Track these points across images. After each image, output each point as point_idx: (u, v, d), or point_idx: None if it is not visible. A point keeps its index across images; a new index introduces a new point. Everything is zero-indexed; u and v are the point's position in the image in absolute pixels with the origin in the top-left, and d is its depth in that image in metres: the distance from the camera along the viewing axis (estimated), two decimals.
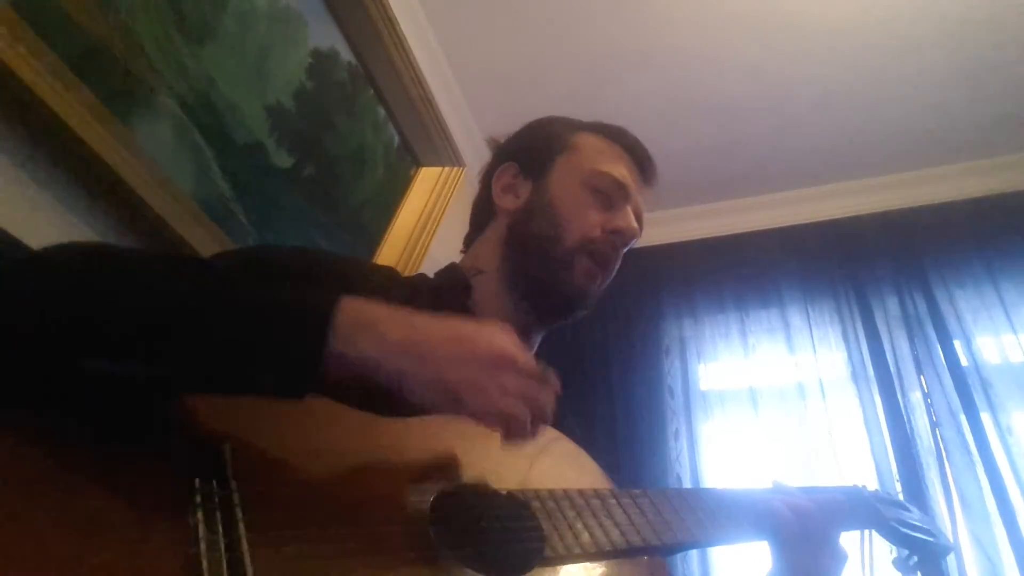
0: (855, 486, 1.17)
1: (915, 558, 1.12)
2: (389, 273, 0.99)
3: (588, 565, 0.63)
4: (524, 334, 1.02)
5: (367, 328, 0.59)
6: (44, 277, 0.60)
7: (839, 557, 0.92)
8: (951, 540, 1.17)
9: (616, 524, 0.67)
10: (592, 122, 1.12)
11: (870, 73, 2.37)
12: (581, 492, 0.68)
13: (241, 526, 0.50)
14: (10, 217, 0.97)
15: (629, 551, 0.65)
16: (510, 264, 1.01)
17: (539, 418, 0.62)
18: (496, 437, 0.61)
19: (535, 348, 1.06)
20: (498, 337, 0.63)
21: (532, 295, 0.99)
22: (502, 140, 1.17)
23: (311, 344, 0.56)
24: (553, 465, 0.72)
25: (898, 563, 1.13)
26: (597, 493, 0.69)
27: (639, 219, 1.05)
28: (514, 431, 0.60)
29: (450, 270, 1.06)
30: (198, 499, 0.51)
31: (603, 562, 0.64)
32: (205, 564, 0.47)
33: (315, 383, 0.57)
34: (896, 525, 1.11)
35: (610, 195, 1.02)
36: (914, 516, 1.17)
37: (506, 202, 1.06)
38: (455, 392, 0.59)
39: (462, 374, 0.59)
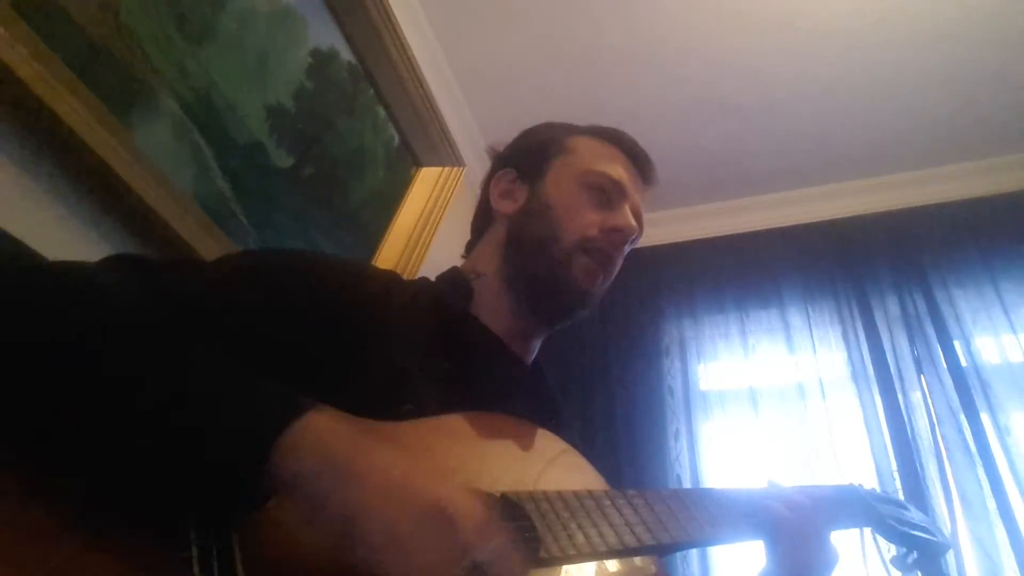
0: (851, 485, 1.17)
1: (913, 556, 1.12)
2: (391, 277, 0.99)
3: (583, 566, 0.63)
4: (525, 338, 1.02)
5: (312, 475, 0.52)
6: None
7: (831, 555, 0.92)
8: (949, 538, 1.17)
9: (611, 524, 0.67)
10: (589, 126, 1.13)
11: (870, 73, 2.37)
12: (576, 493, 0.68)
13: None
14: (10, 217, 0.97)
15: (624, 551, 0.65)
16: (510, 266, 1.01)
17: None
18: (495, 441, 0.60)
19: (536, 351, 1.06)
20: (471, 515, 0.52)
21: (533, 296, 0.99)
22: (501, 149, 1.17)
23: (250, 463, 0.51)
24: (563, 475, 0.72)
25: (896, 561, 1.13)
26: (591, 494, 0.69)
27: (638, 218, 1.05)
28: None
29: (451, 273, 1.06)
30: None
31: (598, 563, 0.64)
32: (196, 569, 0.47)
33: (253, 503, 0.53)
34: (894, 523, 1.11)
35: (607, 194, 1.02)
36: (912, 514, 1.17)
37: (504, 207, 1.06)
38: None
39: (402, 570, 0.50)
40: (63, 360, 0.54)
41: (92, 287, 0.63)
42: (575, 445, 0.84)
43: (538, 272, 0.98)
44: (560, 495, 0.66)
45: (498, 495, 0.64)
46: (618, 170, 1.04)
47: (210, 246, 1.30)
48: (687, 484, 2.37)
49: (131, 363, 0.55)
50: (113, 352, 0.56)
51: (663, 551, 0.72)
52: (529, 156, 1.09)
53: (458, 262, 1.15)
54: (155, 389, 0.54)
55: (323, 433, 0.54)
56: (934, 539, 1.13)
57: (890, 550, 1.14)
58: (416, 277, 1.11)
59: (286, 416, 0.53)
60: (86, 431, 0.53)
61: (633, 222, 1.02)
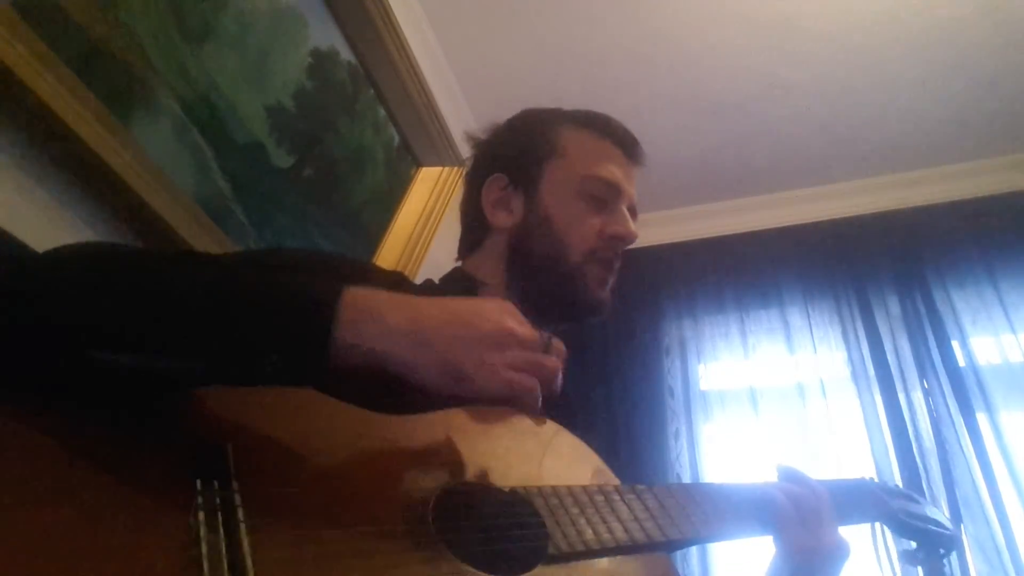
0: (861, 478, 1.16)
1: (923, 550, 1.11)
2: (397, 278, 0.98)
3: (592, 562, 0.63)
4: None
5: (370, 314, 0.59)
6: (52, 274, 0.60)
7: (840, 549, 0.92)
8: (958, 531, 1.17)
9: (620, 520, 0.66)
10: (572, 111, 1.10)
11: (870, 73, 2.37)
12: (585, 489, 0.68)
13: (243, 527, 0.50)
14: (11, 217, 0.97)
15: (633, 547, 0.65)
16: (515, 280, 1.01)
17: (548, 387, 0.62)
18: (502, 435, 0.61)
19: None
20: (500, 313, 0.64)
21: (548, 309, 0.98)
22: (482, 136, 1.14)
23: (316, 332, 0.57)
24: (563, 465, 0.72)
25: (906, 555, 1.13)
26: (601, 489, 0.69)
27: (632, 209, 1.04)
28: (525, 404, 0.61)
29: (456, 274, 1.05)
30: (199, 500, 0.50)
31: (607, 559, 0.64)
32: (206, 565, 0.47)
33: (321, 371, 0.57)
34: (904, 517, 1.10)
35: (603, 197, 1.01)
36: (922, 507, 1.16)
37: (500, 219, 1.04)
38: (461, 371, 0.60)
39: (467, 353, 0.60)
40: (123, 285, 0.58)
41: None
42: (574, 418, 0.84)
43: (550, 289, 0.98)
44: (569, 490, 0.66)
45: (507, 489, 0.64)
46: (612, 169, 1.03)
47: (210, 246, 1.30)
48: None
49: (181, 277, 0.60)
50: (172, 279, 0.60)
51: (672, 547, 0.72)
52: (519, 159, 1.06)
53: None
54: (210, 287, 0.59)
55: (366, 293, 0.61)
56: (946, 532, 1.12)
57: (901, 544, 1.14)
58: (416, 278, 1.11)
59: (335, 292, 0.59)
60: (160, 346, 0.56)
61: (632, 227, 1.01)
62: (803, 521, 0.89)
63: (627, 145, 1.07)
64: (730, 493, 0.87)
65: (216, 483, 0.52)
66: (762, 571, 0.91)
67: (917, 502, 1.17)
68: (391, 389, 0.62)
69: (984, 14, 2.17)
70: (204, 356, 0.57)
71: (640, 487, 0.73)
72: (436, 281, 1.05)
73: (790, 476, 0.97)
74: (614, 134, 1.07)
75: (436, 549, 0.57)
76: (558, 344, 0.67)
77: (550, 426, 0.74)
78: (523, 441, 0.69)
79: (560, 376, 0.65)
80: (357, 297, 0.60)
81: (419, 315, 0.61)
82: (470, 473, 0.64)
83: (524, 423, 0.71)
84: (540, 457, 0.70)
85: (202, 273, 0.63)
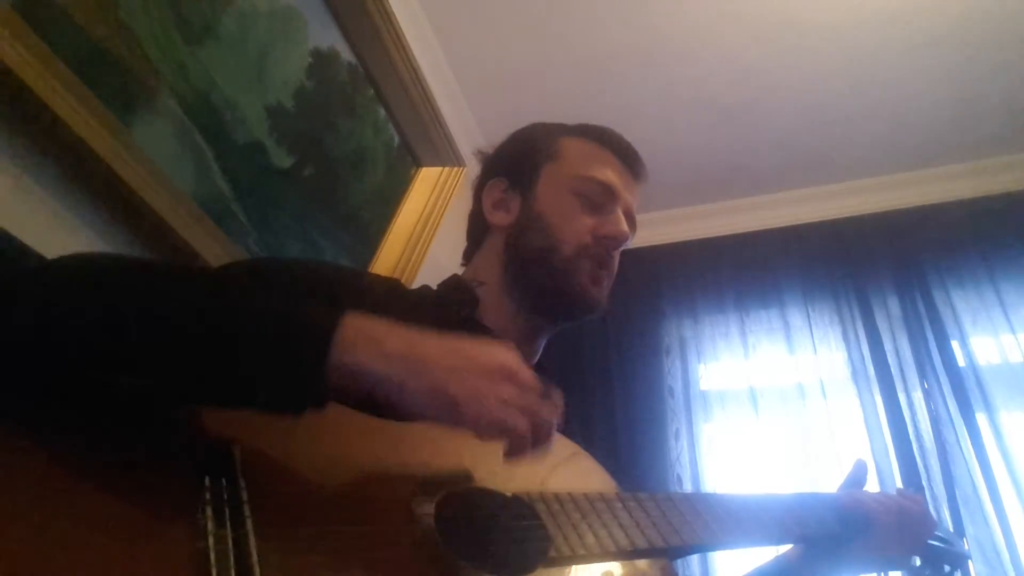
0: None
1: (928, 566, 1.11)
2: (393, 285, 0.99)
3: (593, 567, 0.63)
4: (529, 339, 1.03)
5: (368, 342, 0.59)
6: (52, 286, 0.59)
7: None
8: (967, 548, 1.17)
9: (621, 526, 0.67)
10: (576, 125, 1.12)
11: (869, 73, 2.37)
12: (587, 495, 0.68)
13: (249, 524, 0.51)
14: (10, 217, 0.97)
15: (634, 552, 0.65)
16: (512, 277, 1.02)
17: (540, 433, 0.60)
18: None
19: (540, 352, 1.06)
20: (501, 352, 0.63)
21: (543, 305, 1.00)
22: (489, 151, 1.17)
23: (313, 358, 0.56)
24: (570, 478, 0.72)
25: (910, 572, 1.12)
26: (603, 496, 0.69)
27: (630, 218, 1.05)
28: (515, 445, 0.59)
29: (454, 281, 1.06)
30: (207, 497, 0.51)
31: (608, 564, 0.64)
32: (213, 558, 0.47)
33: (317, 397, 0.57)
34: None
35: (597, 199, 1.02)
36: None
37: (498, 218, 1.07)
38: (454, 402, 0.58)
39: (461, 384, 0.59)
40: (122, 313, 0.57)
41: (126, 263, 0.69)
42: (581, 447, 0.84)
43: (543, 283, 0.99)
44: (571, 496, 0.67)
45: (509, 495, 0.64)
46: (608, 173, 1.04)
47: (210, 246, 1.29)
48: (687, 484, 2.37)
49: (183, 302, 0.60)
50: (164, 301, 0.60)
51: (674, 554, 0.72)
52: (519, 163, 1.09)
53: (459, 262, 1.16)
54: (208, 314, 0.59)
55: (366, 320, 0.61)
56: (952, 549, 1.12)
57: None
58: (416, 278, 1.12)
59: (334, 317, 0.60)
60: (154, 371, 0.56)
61: (625, 228, 1.02)
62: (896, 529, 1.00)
63: (626, 157, 1.08)
64: (739, 505, 0.88)
65: (224, 482, 0.53)
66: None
67: None
68: (383, 413, 0.62)
69: (984, 14, 2.17)
70: (199, 375, 0.56)
71: (643, 495, 0.73)
72: (434, 287, 1.05)
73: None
74: (612, 144, 1.08)
75: (439, 550, 0.58)
76: (558, 396, 0.65)
77: (567, 446, 0.74)
78: None
79: (554, 428, 0.63)
80: (357, 323, 0.60)
81: (417, 343, 0.61)
82: (474, 477, 0.64)
83: None
84: (552, 472, 0.70)
85: (205, 288, 0.63)
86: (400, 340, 0.61)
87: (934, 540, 1.10)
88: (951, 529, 2.02)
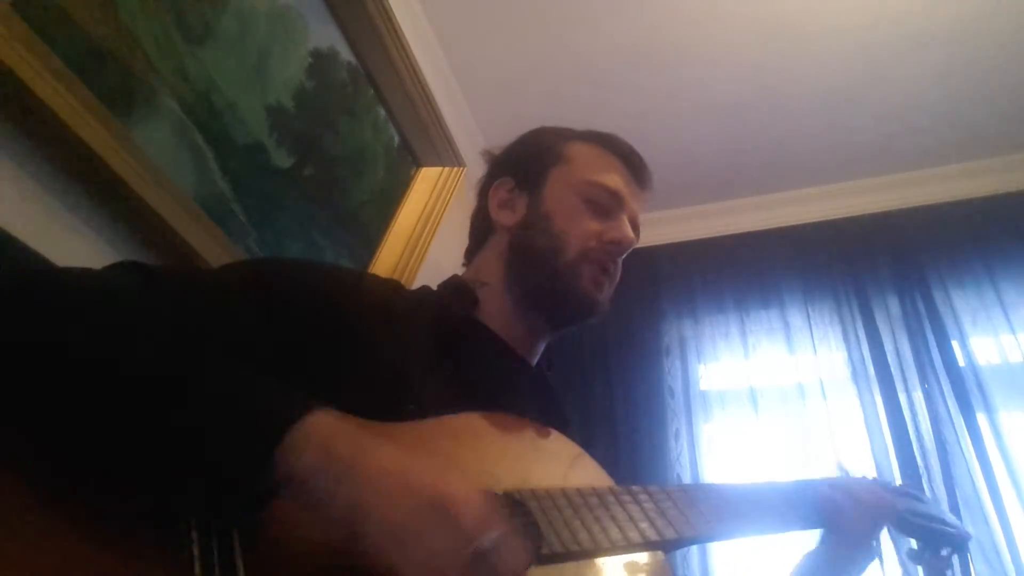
0: (863, 477, 1.17)
1: (927, 549, 1.11)
2: (394, 286, 0.99)
3: (585, 563, 0.63)
4: (530, 340, 1.03)
5: (314, 473, 0.52)
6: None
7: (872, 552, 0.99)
8: (966, 530, 1.17)
9: (614, 520, 0.67)
10: (585, 130, 1.13)
11: (870, 73, 2.37)
12: (579, 490, 0.68)
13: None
14: (10, 217, 0.97)
15: (628, 547, 0.66)
16: (514, 277, 1.02)
17: None
18: (522, 444, 0.60)
19: (540, 353, 1.06)
20: (472, 517, 0.52)
21: (543, 307, 1.00)
22: (496, 152, 1.18)
23: (254, 466, 0.51)
24: (582, 481, 0.72)
25: (913, 555, 1.13)
26: (596, 491, 0.69)
27: (635, 225, 1.06)
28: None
29: (454, 282, 1.06)
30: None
31: (601, 559, 0.64)
32: (196, 550, 0.48)
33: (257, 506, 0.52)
34: (906, 515, 1.11)
35: (604, 204, 1.03)
36: (927, 506, 1.16)
37: (503, 217, 1.07)
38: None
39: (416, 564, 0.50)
40: (72, 362, 0.55)
41: (100, 292, 0.64)
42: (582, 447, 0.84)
43: (545, 284, 0.99)
44: (564, 492, 0.67)
45: (500, 492, 0.64)
46: (615, 179, 1.05)
47: (210, 246, 1.30)
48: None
49: (137, 364, 0.56)
50: (121, 354, 0.56)
51: (668, 547, 0.72)
52: (527, 165, 1.09)
53: (458, 262, 1.16)
54: (160, 389, 0.55)
55: (326, 431, 0.54)
56: (951, 531, 1.12)
57: (906, 544, 1.14)
58: (416, 278, 1.11)
59: (291, 415, 0.54)
60: (93, 431, 0.54)
61: (630, 234, 1.03)
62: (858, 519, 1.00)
63: (633, 164, 1.09)
64: (732, 493, 0.88)
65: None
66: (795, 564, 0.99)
67: (922, 501, 1.17)
68: None
69: (984, 14, 2.17)
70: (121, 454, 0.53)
71: (636, 488, 0.73)
72: (434, 287, 1.06)
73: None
74: (620, 151, 1.09)
75: None
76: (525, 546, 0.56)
77: (572, 447, 0.74)
78: (520, 448, 0.69)
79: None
80: (310, 436, 0.54)
81: (367, 500, 0.52)
82: (478, 479, 0.64)
83: (525, 431, 0.72)
84: (568, 474, 0.70)
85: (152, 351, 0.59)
86: (348, 487, 0.52)
87: (931, 522, 1.11)
88: None
